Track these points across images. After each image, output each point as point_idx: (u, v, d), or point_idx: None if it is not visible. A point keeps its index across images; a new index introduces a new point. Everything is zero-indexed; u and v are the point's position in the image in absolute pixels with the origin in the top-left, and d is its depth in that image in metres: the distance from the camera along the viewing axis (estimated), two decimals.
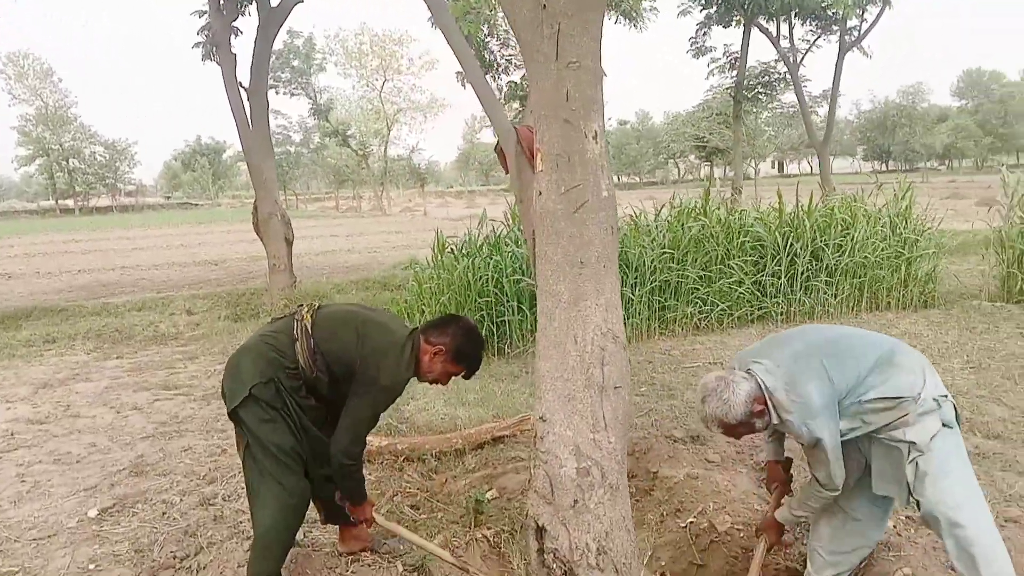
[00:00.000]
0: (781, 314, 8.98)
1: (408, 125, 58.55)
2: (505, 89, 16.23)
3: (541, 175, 2.93)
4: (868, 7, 17.39)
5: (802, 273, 9.07)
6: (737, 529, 3.79)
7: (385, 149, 53.46)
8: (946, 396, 2.80)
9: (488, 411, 5.32)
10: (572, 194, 2.86)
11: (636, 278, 8.32)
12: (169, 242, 27.33)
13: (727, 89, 24.64)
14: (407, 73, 50.96)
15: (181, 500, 4.28)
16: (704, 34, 18.84)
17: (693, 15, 19.41)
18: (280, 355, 2.94)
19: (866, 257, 9.32)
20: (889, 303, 9.54)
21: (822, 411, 2.71)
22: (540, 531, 3.03)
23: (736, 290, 8.75)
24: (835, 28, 19.06)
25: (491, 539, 3.69)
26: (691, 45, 19.07)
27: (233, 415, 2.91)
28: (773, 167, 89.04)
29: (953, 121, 67.72)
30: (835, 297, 9.30)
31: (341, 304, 3.33)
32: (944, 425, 2.74)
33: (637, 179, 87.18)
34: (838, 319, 9.06)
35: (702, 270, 8.63)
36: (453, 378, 3.25)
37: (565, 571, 2.96)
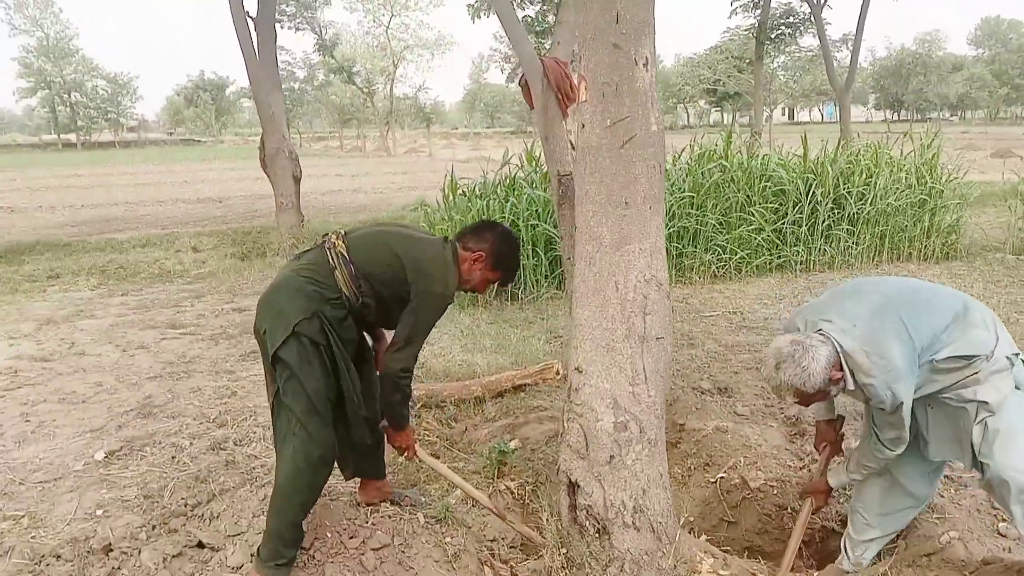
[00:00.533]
0: (800, 263, 8.77)
1: (415, 63, 57.40)
2: (524, 22, 15.68)
3: (584, 106, 2.67)
4: None
5: (823, 221, 8.82)
6: (770, 486, 3.65)
7: (391, 88, 52.37)
8: (1018, 354, 2.59)
9: (507, 358, 5.15)
10: (619, 127, 2.61)
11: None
12: (173, 178, 26.93)
13: (746, 31, 23.96)
14: (415, 9, 49.63)
15: (191, 444, 4.13)
16: None
17: None
18: (321, 287, 2.75)
19: (888, 205, 9.05)
20: (911, 254, 9.31)
21: (907, 373, 2.48)
22: (573, 487, 2.87)
23: (756, 238, 8.52)
24: None
25: (515, 491, 3.55)
26: None
27: (274, 357, 2.68)
28: (784, 114, 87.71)
29: (969, 70, 66.20)
30: (856, 246, 9.06)
31: (368, 226, 3.18)
32: (1016, 387, 2.55)
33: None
34: (859, 270, 8.86)
35: (722, 216, 8.39)
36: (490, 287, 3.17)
37: (599, 529, 2.81)
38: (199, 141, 70.27)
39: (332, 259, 2.80)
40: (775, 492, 3.60)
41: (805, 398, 2.60)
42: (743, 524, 3.61)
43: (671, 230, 8.13)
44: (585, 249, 2.75)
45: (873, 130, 11.83)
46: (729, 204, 8.43)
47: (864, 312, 2.58)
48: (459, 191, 8.30)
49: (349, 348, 2.85)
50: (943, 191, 9.36)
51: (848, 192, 8.98)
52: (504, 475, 3.61)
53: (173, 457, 3.97)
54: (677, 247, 8.25)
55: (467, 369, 4.90)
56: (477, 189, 8.09)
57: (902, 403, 2.50)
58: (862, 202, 9.02)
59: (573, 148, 3.98)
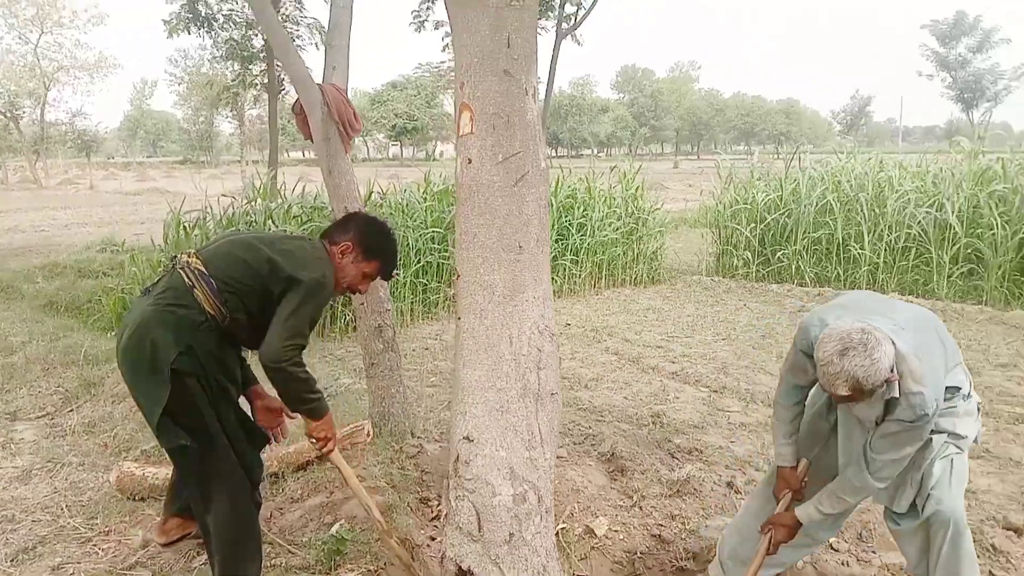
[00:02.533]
0: None
1: (72, 86, 50.74)
2: (225, 47, 14.44)
3: (470, 139, 2.35)
4: None
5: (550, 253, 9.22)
6: (615, 531, 3.54)
7: (41, 113, 45.69)
8: (979, 404, 2.65)
9: (298, 424, 4.48)
10: (512, 164, 2.33)
11: (401, 259, 7.82)
12: None
13: (436, 67, 24.64)
14: (70, 27, 43.86)
15: None
16: (427, 8, 18.51)
17: None
18: (187, 310, 2.50)
19: (605, 236, 9.75)
20: (624, 280, 10.10)
21: (942, 389, 2.35)
22: (464, 575, 2.49)
23: None
24: (551, 15, 19.63)
25: None
26: (413, 18, 18.67)
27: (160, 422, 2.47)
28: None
29: (614, 112, 75.51)
30: (579, 275, 9.61)
31: (220, 237, 2.90)
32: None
33: None
34: (583, 297, 9.39)
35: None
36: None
37: None
38: None
39: (189, 278, 2.52)
40: (621, 538, 3.50)
41: (859, 394, 2.25)
42: (593, 574, 3.46)
43: (417, 266, 7.93)
44: (474, 300, 2.41)
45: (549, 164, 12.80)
46: None
47: (908, 320, 2.42)
48: (193, 229, 7.29)
49: (228, 375, 2.66)
50: (646, 220, 10.32)
51: (570, 224, 9.51)
52: (340, 566, 3.07)
53: None
54: (422, 282, 8.06)
55: None
56: (210, 224, 7.17)
57: (932, 418, 2.33)
58: (581, 233, 9.61)
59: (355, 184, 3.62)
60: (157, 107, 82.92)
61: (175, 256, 2.68)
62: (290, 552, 3.14)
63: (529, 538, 2.47)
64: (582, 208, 9.75)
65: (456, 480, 2.49)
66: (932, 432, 2.48)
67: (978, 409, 2.60)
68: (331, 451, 2.90)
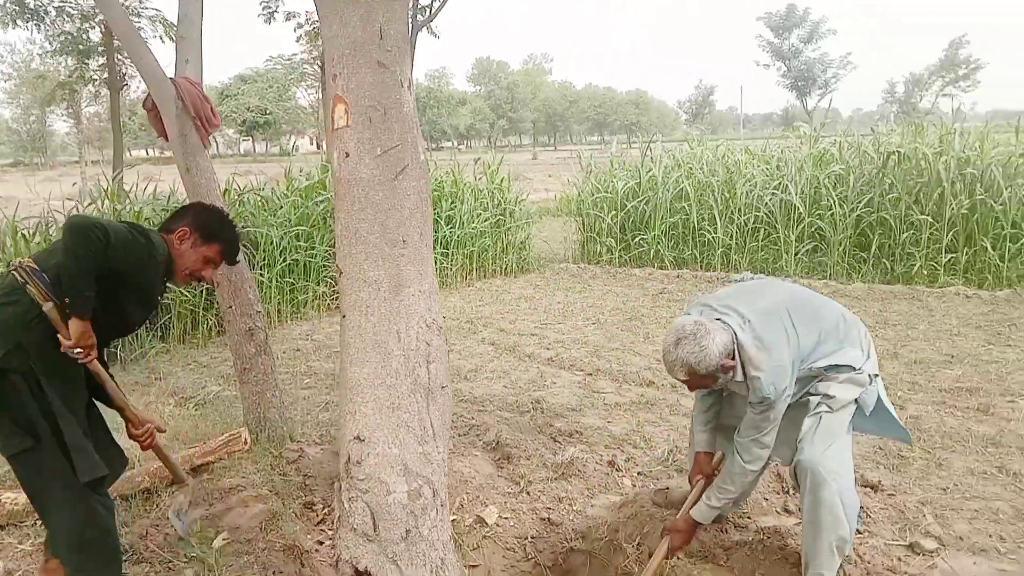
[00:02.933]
0: None
1: None
2: (59, 41, 13.29)
3: (346, 132, 2.30)
4: None
5: None
6: (505, 518, 3.58)
7: None
8: (877, 376, 2.86)
9: (165, 435, 4.23)
10: (391, 157, 2.30)
11: (264, 259, 7.55)
12: None
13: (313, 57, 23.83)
14: None
15: None
16: None
17: None
18: (15, 306, 2.38)
19: (474, 228, 9.80)
20: (495, 271, 10.19)
21: (789, 374, 2.61)
22: None
23: None
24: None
25: None
26: (262, 9, 17.84)
27: None
28: (312, 143, 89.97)
29: (472, 104, 75.81)
30: (451, 268, 9.61)
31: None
32: (857, 403, 2.81)
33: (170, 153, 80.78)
34: (455, 289, 9.40)
35: (329, 247, 8.17)
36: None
37: None
38: None
39: (21, 276, 2.40)
40: (512, 524, 3.54)
41: (695, 379, 2.62)
42: (485, 565, 3.48)
43: (283, 265, 7.68)
44: (359, 297, 2.37)
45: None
46: (335, 234, 8.25)
47: (759, 310, 2.68)
48: (19, 233, 6.69)
49: (70, 372, 2.48)
50: (513, 211, 10.44)
51: (439, 217, 9.48)
52: None
53: None
54: (289, 281, 7.81)
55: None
56: (52, 231, 6.63)
57: (775, 401, 2.61)
58: (450, 226, 9.61)
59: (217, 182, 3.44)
60: None
61: (9, 263, 2.56)
62: (170, 568, 2.97)
63: (426, 533, 2.46)
64: (450, 201, 9.76)
65: (348, 481, 2.44)
66: (809, 395, 2.78)
67: (870, 379, 2.82)
68: (88, 357, 2.57)
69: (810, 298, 2.94)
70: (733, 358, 2.59)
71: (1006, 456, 4.04)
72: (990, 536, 3.24)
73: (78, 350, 2.44)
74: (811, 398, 2.78)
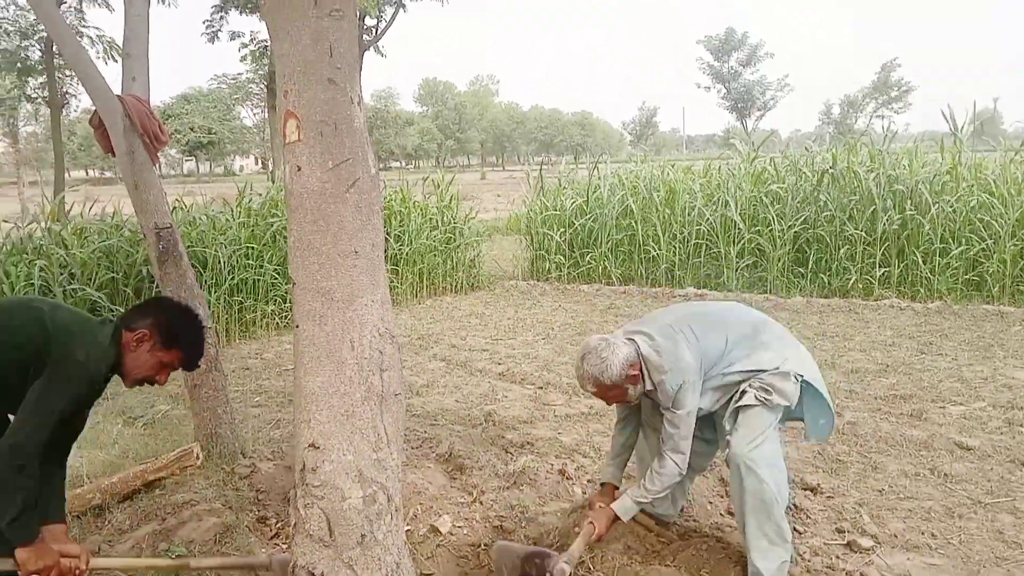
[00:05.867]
0: None
1: None
2: None
3: (298, 147, 2.36)
4: (386, 7, 18.30)
5: None
6: (458, 527, 3.64)
7: None
8: (802, 376, 2.97)
9: (111, 453, 4.19)
10: (342, 170, 2.37)
11: (212, 278, 7.49)
12: None
13: (259, 76, 23.74)
14: None
15: None
16: (221, 18, 17.66)
17: None
18: None
19: (422, 245, 9.86)
20: (445, 288, 10.25)
21: (693, 372, 2.82)
22: None
23: None
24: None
25: None
26: (206, 28, 17.69)
27: None
28: (257, 163, 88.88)
29: (419, 125, 75.96)
30: (400, 285, 9.64)
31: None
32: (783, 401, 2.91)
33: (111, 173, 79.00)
34: (405, 306, 9.43)
35: (279, 266, 8.15)
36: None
37: None
38: None
39: None
40: (465, 532, 3.60)
41: (603, 390, 2.87)
42: (441, 574, 3.52)
43: (231, 283, 7.63)
44: (312, 307, 2.42)
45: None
46: (284, 254, 8.23)
47: (663, 324, 2.95)
48: None
49: None
50: (463, 230, 10.54)
51: (388, 234, 9.52)
52: None
53: None
54: (238, 300, 7.76)
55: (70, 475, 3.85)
56: None
57: (684, 400, 2.83)
58: (399, 243, 9.66)
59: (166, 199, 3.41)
60: None
61: None
62: None
63: (381, 537, 2.51)
64: (399, 219, 9.81)
65: (304, 488, 2.48)
66: (734, 397, 2.96)
67: (796, 379, 2.94)
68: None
69: (720, 310, 3.25)
70: (640, 370, 2.85)
71: (937, 459, 4.25)
72: (923, 533, 3.42)
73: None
74: (748, 391, 2.92)
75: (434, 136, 76.00)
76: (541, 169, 11.70)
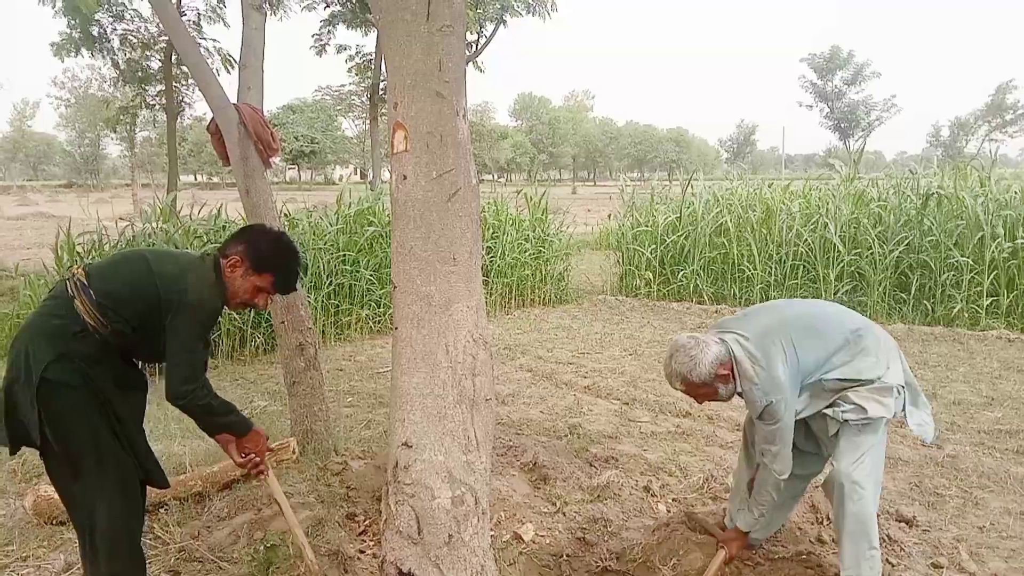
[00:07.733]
0: None
1: None
2: (123, 67, 13.91)
3: (405, 156, 2.46)
4: (486, 23, 18.67)
5: None
6: (541, 535, 3.67)
7: None
8: (904, 386, 2.94)
9: (212, 443, 4.40)
10: (445, 180, 2.46)
11: (312, 282, 7.78)
12: None
13: (363, 88, 24.67)
14: None
15: None
16: (328, 32, 18.42)
17: (317, 11, 18.83)
18: (63, 320, 2.48)
19: (515, 258, 9.97)
20: (533, 300, 10.33)
21: (787, 388, 2.76)
22: None
23: None
24: None
25: None
26: (314, 42, 18.49)
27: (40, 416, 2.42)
28: (356, 173, 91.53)
29: (513, 139, 76.73)
30: (491, 296, 9.76)
31: (122, 251, 2.93)
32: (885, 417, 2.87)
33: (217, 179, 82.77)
34: (495, 318, 9.53)
35: (373, 272, 8.39)
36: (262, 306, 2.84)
37: None
38: None
39: (71, 289, 2.51)
40: (548, 542, 3.63)
41: (692, 388, 2.84)
42: None
43: (329, 288, 7.91)
44: (412, 310, 2.51)
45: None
46: (379, 260, 8.48)
47: (759, 329, 2.86)
48: (75, 248, 7.02)
49: (121, 379, 2.62)
50: (553, 243, 10.60)
51: (484, 247, 9.68)
52: None
53: None
54: (334, 303, 8.03)
55: (173, 461, 4.08)
56: (107, 247, 6.96)
57: (776, 412, 2.76)
58: (491, 255, 9.79)
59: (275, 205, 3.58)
60: (39, 128, 78.99)
61: (70, 267, 2.66)
62: (220, 568, 3.12)
63: (467, 539, 2.57)
64: (492, 231, 9.95)
65: (396, 485, 2.57)
66: (832, 406, 2.89)
67: (897, 392, 2.90)
68: (262, 471, 2.90)
69: (823, 313, 3.07)
70: (730, 369, 2.80)
71: None
72: None
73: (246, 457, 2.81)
74: (835, 410, 2.88)
75: (527, 150, 76.59)
76: (634, 185, 11.64)
